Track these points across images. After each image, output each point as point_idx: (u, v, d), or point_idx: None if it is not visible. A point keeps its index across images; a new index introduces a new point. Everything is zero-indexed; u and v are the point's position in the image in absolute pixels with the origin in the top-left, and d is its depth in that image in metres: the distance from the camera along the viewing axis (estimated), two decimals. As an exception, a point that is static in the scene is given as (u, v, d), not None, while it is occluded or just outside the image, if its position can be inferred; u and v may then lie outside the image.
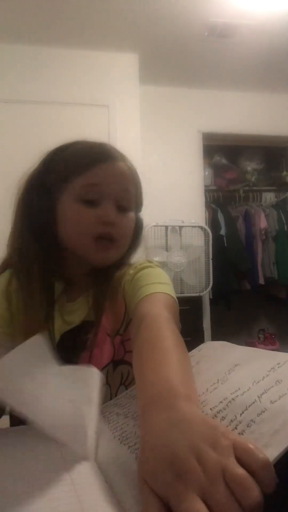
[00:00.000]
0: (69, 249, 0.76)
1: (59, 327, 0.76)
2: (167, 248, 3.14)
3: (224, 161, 3.94)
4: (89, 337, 0.75)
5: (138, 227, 0.84)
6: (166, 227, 3.17)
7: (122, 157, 0.78)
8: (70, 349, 0.75)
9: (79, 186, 0.72)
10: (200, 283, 3.17)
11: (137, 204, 0.84)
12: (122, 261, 0.81)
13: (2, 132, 2.72)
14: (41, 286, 0.74)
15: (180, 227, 3.18)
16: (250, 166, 3.99)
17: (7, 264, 0.81)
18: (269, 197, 4.06)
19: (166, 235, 3.18)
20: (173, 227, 3.17)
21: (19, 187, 0.80)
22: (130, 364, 0.76)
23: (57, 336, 0.75)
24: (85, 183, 0.72)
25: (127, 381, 0.78)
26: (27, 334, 0.60)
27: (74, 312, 0.78)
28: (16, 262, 0.77)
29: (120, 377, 0.78)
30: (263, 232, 3.62)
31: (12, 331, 0.75)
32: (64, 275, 0.79)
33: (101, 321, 0.76)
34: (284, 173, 3.99)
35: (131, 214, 0.79)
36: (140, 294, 0.72)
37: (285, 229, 3.66)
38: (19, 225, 0.77)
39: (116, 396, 0.69)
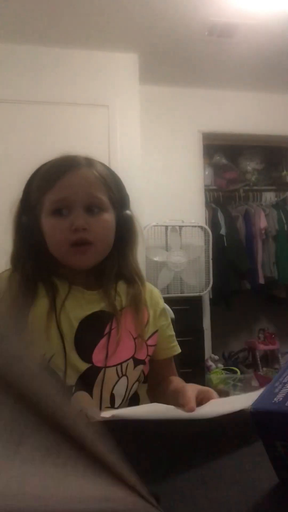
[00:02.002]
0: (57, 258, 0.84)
1: (77, 314, 0.83)
2: (167, 248, 3.14)
3: (224, 161, 3.94)
4: (107, 325, 0.83)
5: (125, 223, 0.89)
6: (166, 227, 3.17)
7: (88, 164, 0.84)
8: (88, 334, 0.82)
9: (49, 202, 0.80)
10: (200, 283, 3.17)
11: (120, 202, 0.89)
12: (118, 258, 0.89)
13: (2, 132, 2.72)
14: (48, 286, 0.83)
15: (180, 227, 3.18)
16: (250, 166, 3.99)
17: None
18: (269, 197, 4.06)
19: (166, 235, 3.18)
20: (173, 227, 3.17)
21: (12, 209, 0.88)
22: (146, 364, 0.88)
23: (75, 323, 0.82)
24: (53, 198, 0.80)
25: (140, 378, 0.88)
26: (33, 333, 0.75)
27: (93, 302, 0.85)
28: (18, 268, 0.85)
29: (138, 374, 0.86)
30: (263, 232, 3.62)
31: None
32: (68, 275, 0.86)
33: (121, 316, 0.85)
34: (284, 173, 3.99)
35: (106, 215, 0.84)
36: (172, 349, 0.94)
37: (285, 228, 3.66)
38: (16, 246, 0.86)
39: (131, 388, 0.84)
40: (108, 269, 0.88)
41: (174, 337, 0.96)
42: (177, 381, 0.89)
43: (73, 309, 0.83)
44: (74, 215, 0.79)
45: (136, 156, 2.89)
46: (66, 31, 2.68)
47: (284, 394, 0.39)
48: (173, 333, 0.96)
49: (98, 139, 2.79)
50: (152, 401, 0.88)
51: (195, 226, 3.23)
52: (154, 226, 3.09)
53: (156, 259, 3.02)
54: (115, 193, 0.87)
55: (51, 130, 2.74)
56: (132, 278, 0.91)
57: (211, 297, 3.42)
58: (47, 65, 2.81)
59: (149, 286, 0.97)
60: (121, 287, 0.90)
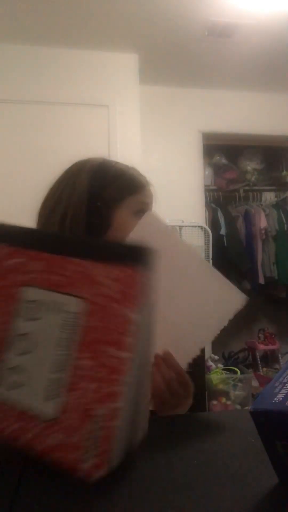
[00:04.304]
0: None
1: None
2: (167, 248, 3.13)
3: (224, 161, 3.94)
4: None
5: None
6: (166, 227, 3.16)
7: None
8: None
9: (136, 201, 0.89)
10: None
11: None
12: None
13: (2, 132, 2.72)
14: None
15: (180, 227, 3.18)
16: (250, 166, 3.99)
17: None
18: (269, 197, 4.06)
19: (166, 235, 3.17)
20: (173, 227, 3.17)
21: (72, 193, 0.89)
22: None
23: None
24: (141, 200, 0.90)
25: None
26: None
27: None
28: None
29: None
30: (263, 232, 3.62)
31: None
32: None
33: None
34: (284, 173, 3.99)
35: None
36: None
37: (285, 228, 3.66)
38: (75, 228, 0.87)
39: None
40: None
41: None
42: None
43: None
44: None
45: (136, 156, 2.88)
46: (66, 31, 2.68)
47: (284, 394, 0.39)
48: None
49: (98, 139, 2.79)
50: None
51: (195, 226, 3.23)
52: (154, 226, 3.09)
53: (156, 259, 3.01)
54: None
55: (51, 130, 2.75)
56: None
57: (211, 297, 3.42)
58: (47, 65, 2.81)
59: None
60: None
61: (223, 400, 2.95)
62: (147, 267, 0.38)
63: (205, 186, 3.65)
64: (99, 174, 0.90)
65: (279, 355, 3.77)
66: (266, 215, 3.68)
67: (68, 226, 0.86)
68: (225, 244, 3.50)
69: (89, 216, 0.87)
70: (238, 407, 2.97)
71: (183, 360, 0.74)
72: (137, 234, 0.71)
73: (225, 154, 3.95)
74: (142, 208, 0.90)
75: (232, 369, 3.23)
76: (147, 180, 0.95)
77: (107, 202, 0.88)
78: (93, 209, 0.87)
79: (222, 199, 3.83)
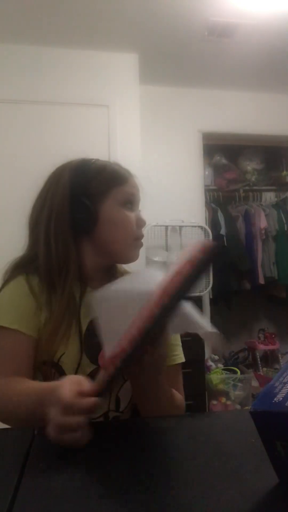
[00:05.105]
0: (104, 248, 0.88)
1: (86, 312, 0.85)
2: (167, 248, 3.14)
3: (224, 161, 3.94)
4: None
5: None
6: (166, 227, 3.17)
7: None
8: (97, 336, 0.81)
9: (122, 193, 0.88)
10: (200, 283, 3.17)
11: None
12: None
13: (2, 132, 2.72)
14: (71, 283, 0.84)
15: (180, 227, 3.18)
16: (250, 166, 3.99)
17: (20, 268, 0.88)
18: (269, 196, 4.06)
19: (166, 235, 3.18)
20: (173, 227, 3.17)
21: (53, 193, 0.89)
22: None
23: (83, 324, 0.84)
24: (126, 191, 0.89)
25: None
26: (55, 331, 0.79)
27: None
28: (50, 262, 0.85)
29: None
30: (263, 232, 3.62)
31: (37, 324, 0.82)
32: (85, 272, 0.90)
33: None
34: (284, 173, 3.99)
35: None
36: (173, 358, 0.91)
37: (285, 228, 3.66)
38: (60, 227, 0.86)
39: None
40: (117, 268, 0.95)
41: (179, 347, 0.93)
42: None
43: (83, 310, 0.85)
44: (137, 212, 0.92)
45: (136, 156, 2.88)
46: (66, 31, 2.68)
47: (284, 394, 0.39)
48: (178, 343, 0.94)
49: (98, 139, 2.79)
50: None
51: (195, 226, 3.23)
52: (154, 226, 3.09)
53: (156, 259, 3.02)
54: None
55: (51, 130, 2.74)
56: (126, 273, 0.98)
57: (211, 297, 3.42)
58: (47, 65, 2.81)
59: None
60: None
61: (223, 400, 2.95)
62: None
63: (205, 186, 3.65)
64: (81, 170, 0.90)
65: (279, 355, 3.76)
66: (266, 215, 3.68)
67: (53, 226, 0.86)
68: (225, 244, 3.50)
69: (74, 212, 0.86)
70: (238, 407, 2.97)
71: None
72: None
73: (225, 154, 3.95)
74: (129, 199, 0.90)
75: (232, 369, 3.23)
76: (130, 172, 0.94)
77: (91, 197, 0.87)
78: (77, 205, 0.86)
79: (222, 199, 3.83)
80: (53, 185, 0.89)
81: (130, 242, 0.89)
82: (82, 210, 0.86)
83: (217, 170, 3.95)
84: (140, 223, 0.91)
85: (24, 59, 2.78)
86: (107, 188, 0.88)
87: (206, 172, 3.76)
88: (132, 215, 0.89)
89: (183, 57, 3.00)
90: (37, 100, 2.77)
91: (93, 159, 0.93)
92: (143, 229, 0.92)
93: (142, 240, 0.94)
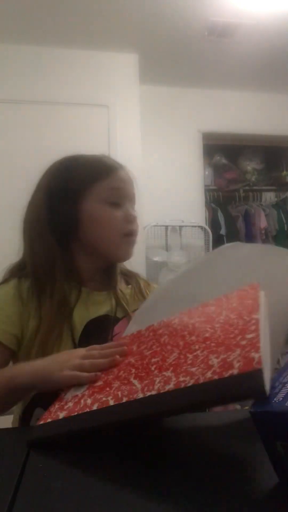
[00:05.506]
0: (92, 247, 0.84)
1: (82, 314, 0.82)
2: (167, 248, 3.14)
3: (224, 161, 3.94)
4: (110, 330, 0.82)
5: None
6: (166, 227, 3.17)
7: (125, 167, 0.89)
8: (94, 337, 0.79)
9: (104, 189, 0.82)
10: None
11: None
12: None
13: (2, 132, 2.72)
14: (61, 287, 0.80)
15: (180, 227, 3.18)
16: (250, 166, 3.99)
17: (15, 272, 0.86)
18: (269, 196, 4.06)
19: (166, 235, 3.18)
20: (173, 227, 3.17)
21: (34, 196, 0.86)
22: None
23: (78, 325, 0.81)
24: (110, 186, 0.82)
25: None
26: (45, 335, 0.76)
27: (100, 304, 0.85)
28: (36, 267, 0.82)
29: None
30: (263, 232, 3.62)
31: (17, 333, 0.79)
32: (79, 274, 0.87)
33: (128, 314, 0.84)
34: (284, 173, 3.99)
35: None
36: None
37: (285, 228, 3.66)
38: (40, 231, 0.83)
39: None
40: (116, 267, 0.91)
41: None
42: None
43: (79, 311, 0.82)
44: (126, 206, 0.84)
45: (136, 156, 2.88)
46: (66, 31, 2.68)
47: (284, 394, 0.39)
48: None
49: (98, 139, 2.79)
50: None
51: (195, 226, 3.23)
52: (154, 226, 3.09)
53: (156, 259, 3.02)
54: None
55: (51, 130, 2.74)
56: (129, 272, 0.95)
57: (211, 297, 3.42)
58: (47, 65, 2.81)
59: (152, 284, 0.98)
60: (122, 286, 0.91)
61: (223, 400, 2.95)
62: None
63: (205, 186, 3.65)
64: (60, 169, 0.86)
65: (279, 355, 3.76)
66: (266, 215, 3.68)
67: (36, 230, 0.83)
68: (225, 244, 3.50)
69: (53, 214, 0.82)
70: (238, 407, 2.96)
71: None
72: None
73: (225, 154, 3.95)
74: (112, 194, 0.83)
75: (232, 369, 3.23)
76: (119, 164, 0.87)
77: (70, 196, 0.82)
78: (56, 207, 0.82)
79: (222, 199, 3.83)
80: (35, 187, 0.87)
81: (117, 240, 0.83)
82: (61, 211, 0.82)
83: (217, 170, 3.95)
84: (129, 218, 0.83)
85: (24, 59, 2.78)
86: (86, 185, 0.82)
87: (206, 172, 3.76)
88: (117, 211, 0.83)
89: (183, 57, 3.00)
90: (37, 100, 2.77)
91: (77, 155, 0.88)
92: (134, 224, 0.85)
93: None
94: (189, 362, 0.47)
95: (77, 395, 0.54)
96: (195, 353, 0.48)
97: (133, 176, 0.88)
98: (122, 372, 0.54)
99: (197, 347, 0.49)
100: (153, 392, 0.45)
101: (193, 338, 0.52)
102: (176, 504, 0.38)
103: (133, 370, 0.52)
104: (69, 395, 0.56)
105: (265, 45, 2.85)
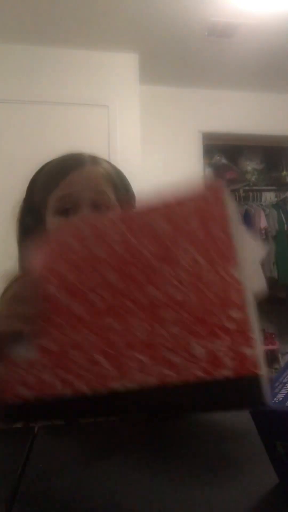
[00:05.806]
0: None
1: None
2: (167, 248, 3.13)
3: (224, 161, 3.94)
4: None
5: None
6: (166, 227, 3.16)
7: (93, 161, 0.81)
8: None
9: (54, 199, 0.76)
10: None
11: (126, 201, 0.83)
12: None
13: (2, 132, 2.71)
14: None
15: (180, 227, 3.18)
16: (250, 166, 3.99)
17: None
18: (269, 196, 4.06)
19: (166, 235, 3.17)
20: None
21: (15, 212, 0.85)
22: None
23: None
24: (59, 195, 0.75)
25: None
26: None
27: None
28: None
29: None
30: (263, 232, 3.62)
31: None
32: None
33: None
34: (284, 173, 3.99)
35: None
36: None
37: (285, 229, 3.66)
38: (19, 247, 0.82)
39: None
40: None
41: None
42: None
43: None
44: (81, 213, 0.74)
45: (136, 156, 2.88)
46: (66, 31, 2.68)
47: (284, 394, 0.39)
48: None
49: (98, 139, 2.79)
50: None
51: (195, 226, 3.22)
52: (154, 226, 3.09)
53: (156, 259, 3.01)
54: (121, 191, 0.82)
55: (51, 130, 2.74)
56: None
57: (211, 297, 3.42)
58: (47, 65, 2.81)
59: None
60: None
61: (223, 400, 2.95)
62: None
63: (205, 186, 3.65)
64: (30, 181, 0.84)
65: (279, 355, 3.76)
66: (266, 215, 3.68)
67: (18, 241, 0.83)
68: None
69: (26, 229, 0.81)
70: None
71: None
72: None
73: (225, 154, 3.95)
74: (61, 203, 0.75)
75: (232, 369, 3.23)
76: (76, 164, 0.78)
77: (35, 211, 0.79)
78: (27, 220, 0.81)
79: (222, 199, 3.83)
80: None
81: None
82: (31, 226, 0.79)
83: (217, 170, 3.95)
84: None
85: (24, 59, 2.78)
86: (43, 199, 0.77)
87: (206, 172, 3.76)
88: (65, 220, 0.74)
89: (183, 57, 3.00)
90: (37, 100, 2.77)
91: (47, 161, 0.83)
92: None
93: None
94: (165, 343, 0.36)
95: (29, 360, 0.41)
96: (169, 329, 0.37)
97: (102, 171, 0.79)
98: (75, 334, 0.40)
99: (168, 316, 0.37)
100: (134, 385, 0.37)
101: (158, 294, 0.38)
102: (176, 504, 0.38)
103: (92, 337, 0.39)
104: (16, 355, 0.43)
105: (265, 45, 2.85)
